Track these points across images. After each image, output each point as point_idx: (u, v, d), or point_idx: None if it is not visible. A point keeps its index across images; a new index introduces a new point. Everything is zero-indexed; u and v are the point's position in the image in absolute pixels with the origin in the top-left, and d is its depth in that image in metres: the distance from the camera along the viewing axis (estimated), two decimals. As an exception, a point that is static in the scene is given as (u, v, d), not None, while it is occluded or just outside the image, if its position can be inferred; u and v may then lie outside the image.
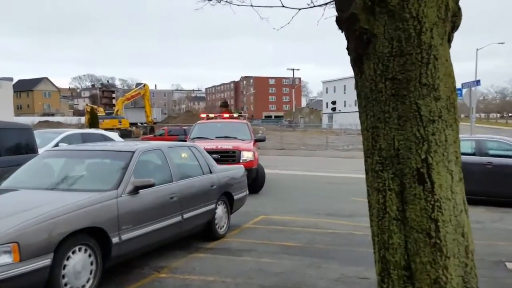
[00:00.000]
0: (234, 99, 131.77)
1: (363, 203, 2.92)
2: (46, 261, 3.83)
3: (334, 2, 2.84)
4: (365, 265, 5.23)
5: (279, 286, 4.78)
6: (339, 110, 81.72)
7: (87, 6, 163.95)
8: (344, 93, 79.34)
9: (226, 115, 15.07)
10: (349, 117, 65.07)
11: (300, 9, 3.87)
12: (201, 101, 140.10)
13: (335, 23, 2.76)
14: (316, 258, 5.79)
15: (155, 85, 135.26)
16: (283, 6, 3.72)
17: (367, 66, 2.48)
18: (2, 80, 20.69)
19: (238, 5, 4.49)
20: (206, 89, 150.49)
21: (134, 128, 51.42)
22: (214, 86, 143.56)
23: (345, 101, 79.43)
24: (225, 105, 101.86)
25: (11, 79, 20.97)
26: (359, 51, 2.52)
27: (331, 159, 23.34)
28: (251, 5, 4.11)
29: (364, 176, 2.64)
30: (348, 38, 2.65)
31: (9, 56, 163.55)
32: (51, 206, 4.22)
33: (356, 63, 2.58)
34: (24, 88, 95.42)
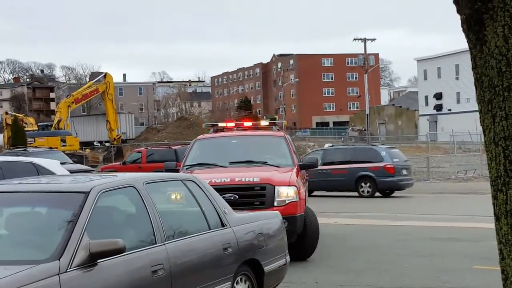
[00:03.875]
0: (261, 95, 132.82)
1: (495, 273, 2.88)
2: None
3: None
4: None
5: None
6: (449, 110, 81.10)
7: None
8: (457, 78, 78.85)
9: (248, 124, 15.11)
10: (467, 120, 64.18)
11: None
12: (204, 99, 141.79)
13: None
14: None
15: (124, 75, 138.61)
16: None
17: (491, 31, 2.48)
18: None
19: None
20: (212, 79, 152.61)
21: (87, 150, 52.37)
22: (226, 74, 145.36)
23: (458, 94, 78.91)
24: (246, 106, 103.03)
25: None
26: (477, 6, 2.52)
27: (435, 196, 23.05)
28: None
29: (494, 225, 2.61)
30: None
31: None
32: None
33: (473, 26, 2.58)
34: None
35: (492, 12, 2.47)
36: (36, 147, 34.51)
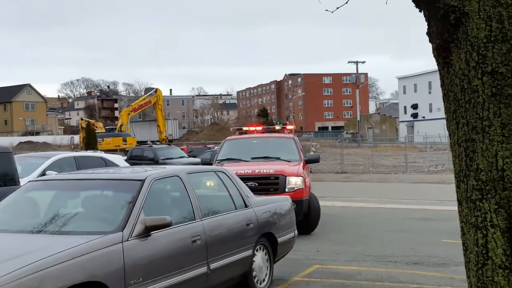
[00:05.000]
0: (276, 105, 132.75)
1: (459, 246, 2.88)
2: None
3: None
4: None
5: None
6: (423, 117, 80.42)
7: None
8: (429, 92, 78.11)
9: (263, 127, 15.23)
10: (437, 126, 63.71)
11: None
12: (231, 109, 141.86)
13: (413, 2, 2.78)
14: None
15: (170, 90, 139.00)
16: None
17: (456, 56, 2.48)
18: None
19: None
20: (237, 93, 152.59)
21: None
22: (249, 89, 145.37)
23: (430, 104, 78.12)
24: (263, 114, 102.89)
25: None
26: (444, 37, 2.52)
27: (412, 185, 22.94)
28: None
29: (457, 208, 2.61)
30: (429, 19, 2.66)
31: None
32: (37, 255, 4.37)
33: (441, 53, 2.58)
34: (0, 98, 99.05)
35: (457, 42, 2.47)
36: (154, 144, 34.69)
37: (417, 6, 2.77)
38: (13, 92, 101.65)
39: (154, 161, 24.83)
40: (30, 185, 6.28)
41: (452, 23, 2.46)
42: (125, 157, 23.74)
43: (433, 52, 2.68)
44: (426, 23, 2.74)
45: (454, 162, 2.58)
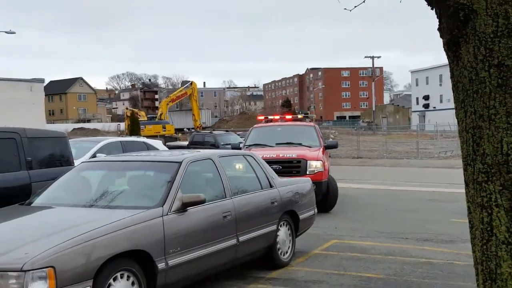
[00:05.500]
0: (298, 96, 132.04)
1: (466, 225, 2.85)
2: (85, 289, 4.07)
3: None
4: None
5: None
6: (434, 107, 79.14)
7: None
8: (440, 85, 76.72)
9: (289, 117, 15.15)
10: (447, 115, 62.52)
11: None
12: (258, 100, 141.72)
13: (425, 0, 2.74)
14: (406, 293, 5.67)
15: (204, 83, 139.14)
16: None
17: (465, 50, 2.45)
18: (33, 82, 22.12)
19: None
20: (264, 85, 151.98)
21: (180, 134, 52.94)
22: (274, 82, 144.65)
23: (441, 96, 76.80)
24: (287, 105, 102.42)
25: (42, 81, 22.44)
26: (454, 32, 2.49)
27: (423, 169, 22.65)
28: None
29: (464, 189, 2.59)
30: (440, 16, 2.63)
31: (38, 54, 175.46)
32: (89, 225, 4.48)
33: (451, 47, 2.55)
34: (56, 90, 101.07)
35: (466, 37, 2.44)
36: (214, 130, 34.29)
37: (429, 4, 2.73)
38: (68, 84, 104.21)
39: (216, 146, 24.05)
40: (83, 166, 6.40)
41: (461, 19, 2.43)
42: (174, 143, 23.26)
43: (444, 47, 2.65)
44: (437, 20, 2.71)
45: (462, 148, 2.55)
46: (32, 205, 5.52)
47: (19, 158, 7.28)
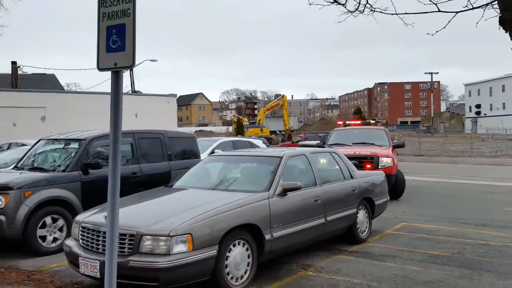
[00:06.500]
0: (367, 105, 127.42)
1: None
2: (212, 251, 4.20)
3: (496, 2, 2.56)
4: (528, 282, 4.55)
5: (428, 295, 4.45)
6: (485, 114, 72.83)
7: (234, 31, 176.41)
8: (490, 95, 70.45)
9: (362, 121, 14.77)
10: (496, 121, 57.44)
11: (457, 12, 3.49)
12: (334, 109, 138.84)
13: (498, 23, 2.48)
14: (467, 269, 5.24)
15: (292, 96, 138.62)
16: (439, 11, 3.42)
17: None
18: (169, 97, 23.40)
19: (382, 12, 4.29)
20: (339, 97, 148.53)
21: (273, 135, 53.26)
22: (347, 94, 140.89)
23: (491, 105, 70.49)
24: (358, 112, 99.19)
25: (175, 95, 23.64)
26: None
27: (477, 166, 20.92)
28: (405, 13, 3.84)
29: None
30: (513, 36, 2.36)
31: (170, 75, 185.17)
32: (215, 204, 4.61)
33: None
34: (183, 102, 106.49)
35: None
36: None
37: (503, 28, 2.47)
38: (192, 98, 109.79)
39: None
40: (207, 159, 6.61)
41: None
42: (303, 142, 22.48)
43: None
44: (509, 41, 2.44)
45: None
46: (173, 187, 5.79)
47: (163, 152, 7.69)
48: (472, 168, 19.58)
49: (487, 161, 23.13)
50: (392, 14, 4.05)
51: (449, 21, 3.39)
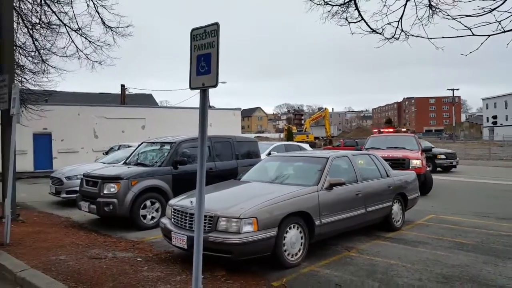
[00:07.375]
0: (397, 117, 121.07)
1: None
2: (273, 232, 4.13)
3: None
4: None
5: (457, 276, 4.04)
6: (501, 124, 66.24)
7: (284, 58, 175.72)
8: (506, 108, 64.02)
9: (394, 129, 13.98)
10: (511, 130, 51.99)
11: (489, 35, 3.16)
12: (368, 119, 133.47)
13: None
14: (492, 256, 4.72)
15: (332, 108, 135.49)
16: (473, 35, 3.11)
17: None
18: (235, 110, 23.99)
19: (417, 36, 3.99)
20: (372, 109, 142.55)
21: (317, 141, 52.32)
22: (380, 107, 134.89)
23: (506, 116, 64.05)
24: (389, 122, 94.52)
25: (240, 109, 24.21)
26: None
27: (495, 168, 19.01)
28: (442, 37, 3.55)
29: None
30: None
31: (234, 94, 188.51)
32: (274, 194, 4.54)
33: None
34: (245, 114, 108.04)
35: None
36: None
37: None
38: (252, 111, 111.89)
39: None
40: (266, 159, 6.54)
41: None
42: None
43: None
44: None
45: None
46: (240, 180, 5.80)
47: (232, 153, 7.78)
48: (491, 169, 17.81)
49: (504, 164, 20.98)
50: (428, 38, 3.74)
51: (481, 43, 3.06)
